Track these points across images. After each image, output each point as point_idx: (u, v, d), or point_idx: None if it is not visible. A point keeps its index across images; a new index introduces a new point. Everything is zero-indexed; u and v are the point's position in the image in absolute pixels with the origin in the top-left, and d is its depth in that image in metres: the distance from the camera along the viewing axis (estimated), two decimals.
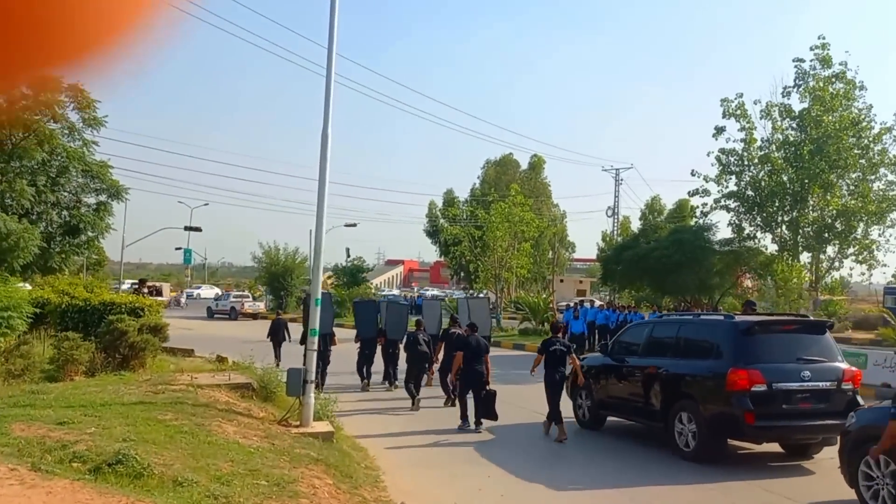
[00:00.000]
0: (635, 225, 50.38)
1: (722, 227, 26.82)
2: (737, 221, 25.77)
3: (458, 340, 11.82)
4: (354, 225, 56.95)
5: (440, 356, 13.35)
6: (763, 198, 24.63)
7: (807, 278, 22.60)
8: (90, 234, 24.77)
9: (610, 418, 10.91)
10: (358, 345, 15.06)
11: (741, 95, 25.06)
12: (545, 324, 31.41)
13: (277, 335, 19.58)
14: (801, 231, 24.28)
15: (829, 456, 8.12)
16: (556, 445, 9.68)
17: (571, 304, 31.37)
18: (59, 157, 23.87)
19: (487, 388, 10.70)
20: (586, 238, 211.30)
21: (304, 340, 15.23)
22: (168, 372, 10.31)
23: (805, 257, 24.54)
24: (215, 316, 43.13)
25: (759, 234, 25.59)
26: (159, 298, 41.86)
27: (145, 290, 19.26)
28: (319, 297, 8.51)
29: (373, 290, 58.44)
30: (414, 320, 14.68)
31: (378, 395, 14.05)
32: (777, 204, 24.62)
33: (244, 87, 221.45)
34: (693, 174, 26.29)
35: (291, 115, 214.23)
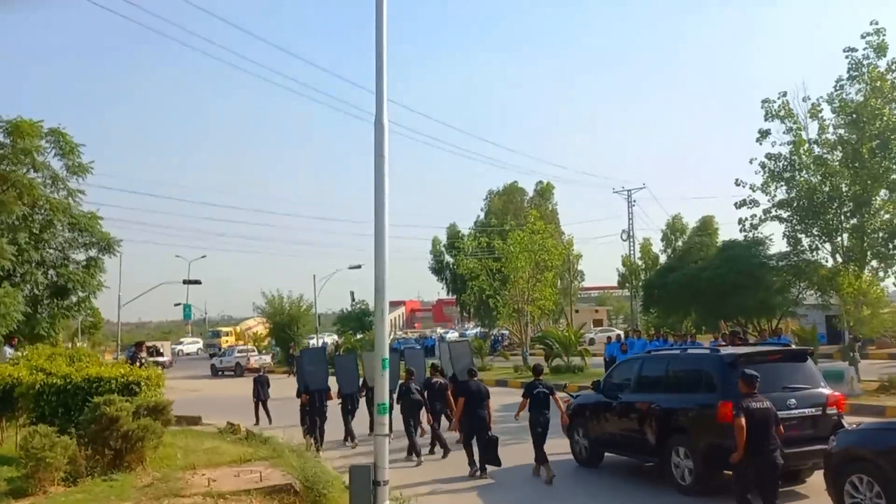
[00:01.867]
0: (657, 247, 48.14)
1: (775, 239, 24.53)
2: (791, 233, 23.41)
3: (460, 387, 12.04)
4: (359, 266, 53.87)
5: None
6: (819, 205, 22.32)
7: (883, 293, 20.13)
8: (80, 294, 22.40)
9: (607, 455, 11.17)
10: (339, 401, 14.69)
11: (784, 94, 22.96)
12: (582, 358, 28.85)
13: (259, 394, 17.95)
14: (866, 238, 21.89)
15: (820, 479, 8.23)
16: (556, 486, 9.85)
17: (614, 336, 28.82)
18: (42, 210, 21.52)
19: (489, 433, 10.91)
20: (592, 265, 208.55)
21: (299, 395, 14.27)
22: (175, 468, 7.75)
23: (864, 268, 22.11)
24: (220, 373, 40.64)
25: (818, 245, 23.15)
26: (160, 359, 39.43)
27: (143, 355, 16.70)
28: (387, 355, 5.97)
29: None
30: (404, 369, 14.11)
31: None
32: (835, 210, 22.29)
33: (240, 123, 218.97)
34: (737, 183, 24.04)
35: (289, 153, 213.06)
